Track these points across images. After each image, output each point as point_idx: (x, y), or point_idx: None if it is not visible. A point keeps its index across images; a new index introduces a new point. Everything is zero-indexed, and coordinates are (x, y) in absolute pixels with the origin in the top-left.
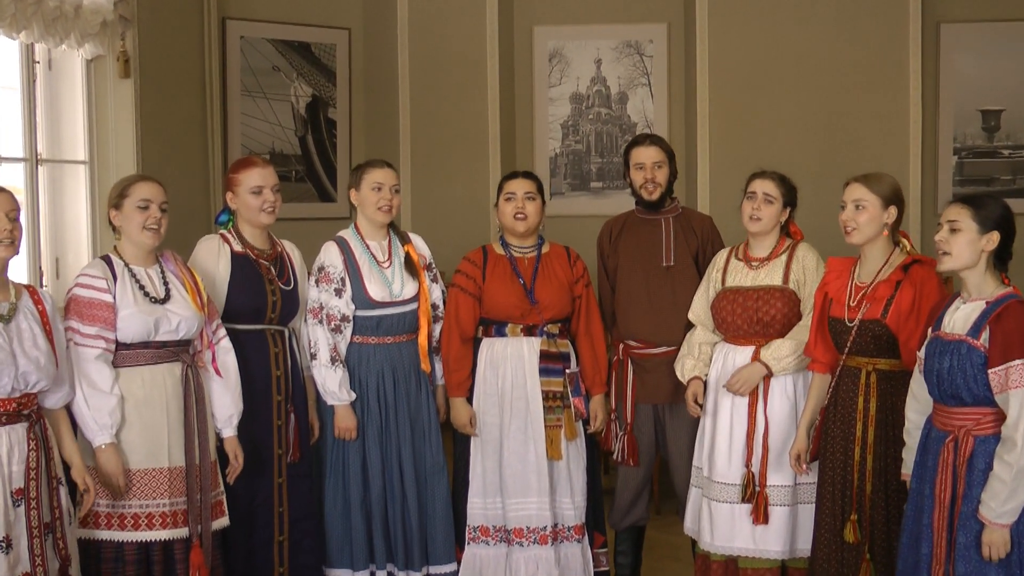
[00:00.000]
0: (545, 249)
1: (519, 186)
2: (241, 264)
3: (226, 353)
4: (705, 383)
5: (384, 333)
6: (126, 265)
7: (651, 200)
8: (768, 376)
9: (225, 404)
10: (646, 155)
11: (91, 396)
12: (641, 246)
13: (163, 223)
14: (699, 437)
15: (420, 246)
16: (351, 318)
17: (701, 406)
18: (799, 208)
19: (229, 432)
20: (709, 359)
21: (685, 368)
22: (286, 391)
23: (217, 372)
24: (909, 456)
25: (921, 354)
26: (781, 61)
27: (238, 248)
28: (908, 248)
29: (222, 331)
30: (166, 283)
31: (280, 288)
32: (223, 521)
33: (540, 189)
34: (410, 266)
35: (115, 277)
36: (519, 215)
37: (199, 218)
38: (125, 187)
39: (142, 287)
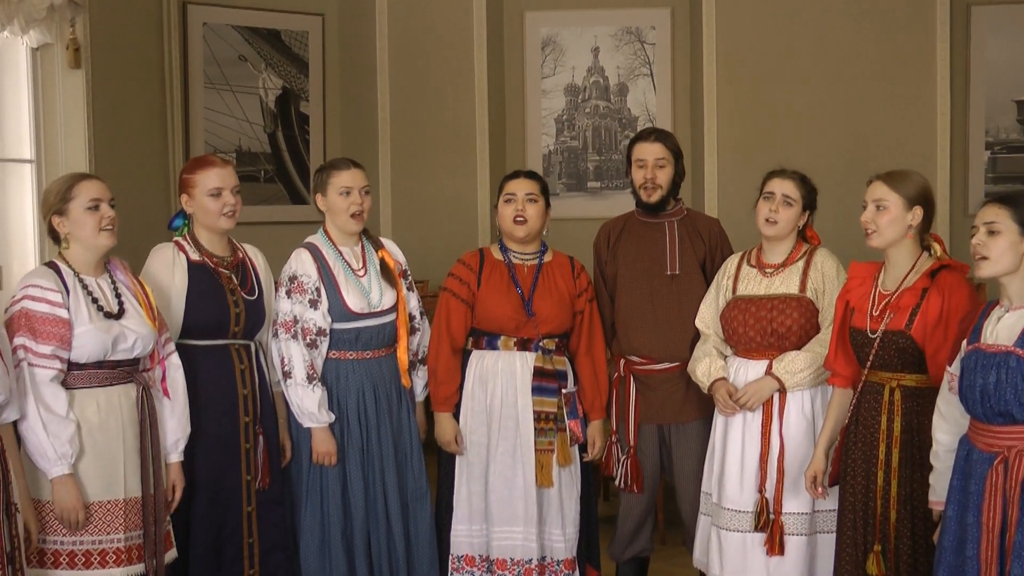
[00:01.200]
0: (548, 258)
1: (520, 187)
2: (199, 274)
3: (176, 370)
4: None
5: (363, 347)
6: (76, 275)
7: (649, 202)
8: (782, 392)
9: (172, 427)
10: (648, 152)
11: (49, 422)
12: (643, 252)
13: (116, 221)
14: (708, 460)
15: (394, 252)
16: (328, 331)
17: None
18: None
19: (176, 458)
20: (725, 367)
21: (702, 370)
22: (254, 411)
23: (166, 393)
24: (939, 482)
25: (954, 369)
26: (796, 48)
27: (195, 256)
28: (938, 253)
29: (171, 346)
30: (119, 295)
31: (243, 298)
32: (172, 554)
33: (544, 190)
34: (387, 274)
35: (67, 289)
36: (519, 218)
37: (158, 225)
38: (68, 189)
39: (95, 300)
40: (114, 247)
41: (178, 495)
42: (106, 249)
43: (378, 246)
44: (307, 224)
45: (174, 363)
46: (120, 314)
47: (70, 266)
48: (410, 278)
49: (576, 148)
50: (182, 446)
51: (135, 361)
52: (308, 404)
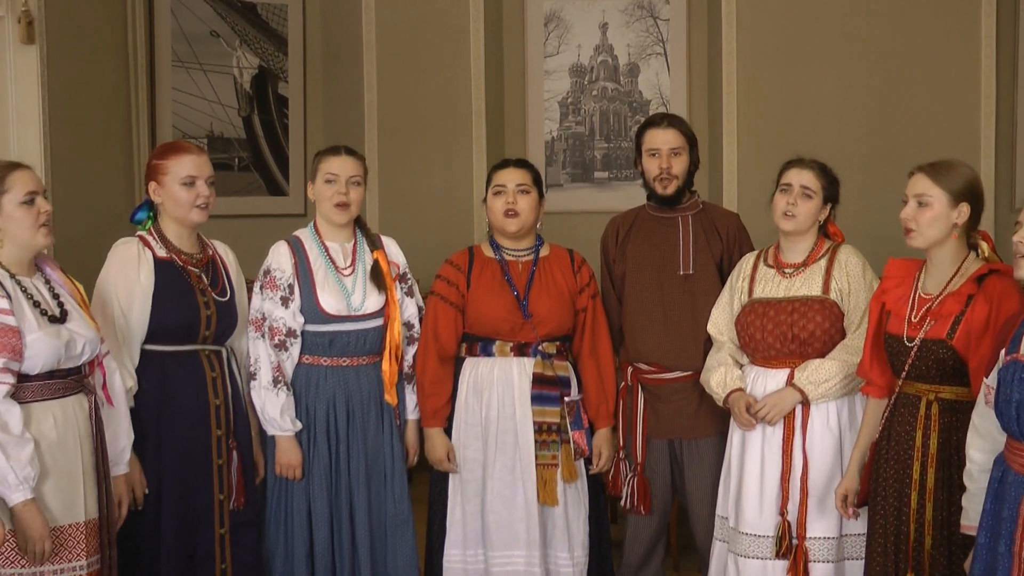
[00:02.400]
0: (544, 252)
1: (510, 177)
2: (166, 272)
3: (113, 374)
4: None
5: (338, 354)
6: (13, 277)
7: (666, 195)
8: (805, 404)
9: (117, 435)
10: (662, 139)
11: (6, 444)
12: (654, 250)
13: (51, 216)
14: (723, 479)
15: (393, 252)
16: (298, 333)
17: (750, 419)
18: (842, 203)
19: (123, 469)
20: (742, 376)
21: (717, 381)
22: (227, 424)
23: (108, 399)
24: (972, 504)
25: (991, 381)
26: (824, 24)
27: (161, 253)
28: (986, 253)
29: (105, 346)
30: (56, 296)
31: (215, 299)
32: None
33: (536, 180)
34: (377, 276)
35: (7, 294)
36: (510, 212)
37: (120, 217)
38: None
39: (37, 304)
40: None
41: (123, 512)
42: (43, 248)
43: (376, 245)
44: (286, 217)
45: (111, 366)
46: (63, 317)
47: (4, 268)
48: (411, 282)
49: (582, 135)
50: (127, 456)
51: (80, 368)
52: (271, 409)
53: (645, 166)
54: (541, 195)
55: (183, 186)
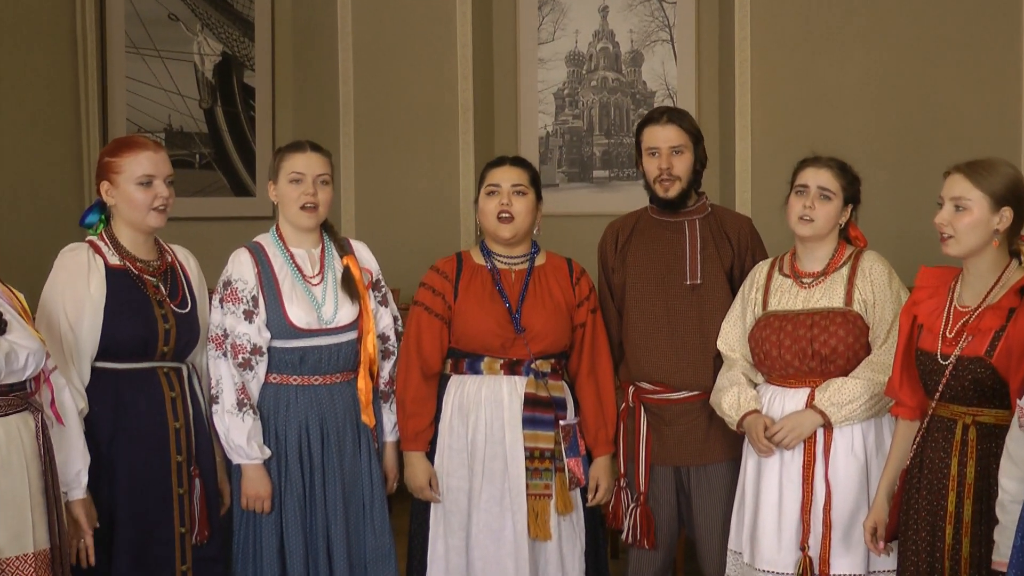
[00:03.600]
0: (540, 261)
1: (506, 176)
2: (120, 282)
3: (62, 390)
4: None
5: (310, 371)
6: None
7: (667, 198)
8: (827, 427)
9: (71, 457)
10: (662, 137)
11: None
12: (658, 258)
13: None
14: (737, 510)
15: (365, 258)
16: (265, 350)
17: (768, 442)
18: (867, 204)
19: (80, 494)
20: (757, 397)
21: (729, 403)
22: (188, 449)
23: (58, 418)
24: (1003, 538)
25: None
26: (847, 7)
27: (114, 260)
28: None
29: (52, 360)
30: None
31: (173, 311)
32: None
33: (534, 180)
34: (349, 284)
35: None
36: (504, 215)
37: (68, 220)
38: None
39: None
40: None
41: (89, 541)
42: None
43: (345, 251)
44: (252, 220)
45: (59, 383)
46: (2, 328)
47: None
48: (385, 290)
49: (580, 129)
50: (84, 479)
51: (24, 384)
52: (236, 435)
53: (645, 166)
54: (539, 197)
55: (139, 186)
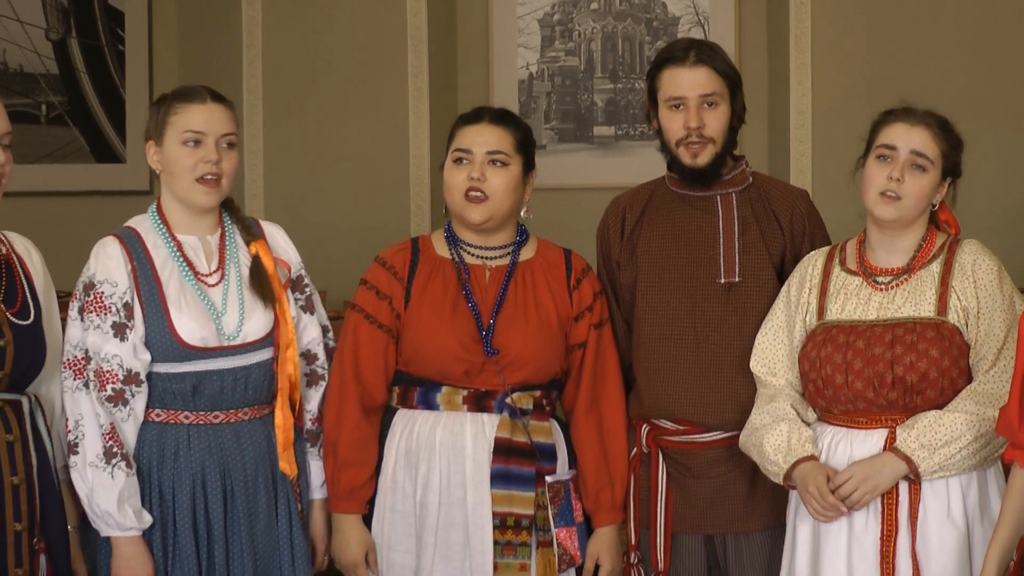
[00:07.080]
0: (527, 254)
1: (481, 138)
2: None
3: None
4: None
5: (208, 406)
6: None
7: (695, 167)
8: (915, 481)
9: None
10: (689, 83)
11: None
12: (680, 247)
13: None
14: None
15: (281, 246)
16: (144, 378)
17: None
18: (964, 177)
19: None
20: (814, 438)
21: (774, 445)
22: (30, 514)
23: None
24: None
25: None
26: None
27: None
28: None
29: None
30: None
31: (9, 322)
32: None
33: (522, 145)
34: (259, 282)
35: None
36: (473, 192)
37: None
38: None
39: None
40: None
41: None
42: None
43: (253, 235)
44: (121, 196)
45: None
46: None
47: None
48: (310, 291)
49: (575, 71)
50: None
51: None
52: (102, 498)
53: (664, 123)
54: (531, 166)
55: None
